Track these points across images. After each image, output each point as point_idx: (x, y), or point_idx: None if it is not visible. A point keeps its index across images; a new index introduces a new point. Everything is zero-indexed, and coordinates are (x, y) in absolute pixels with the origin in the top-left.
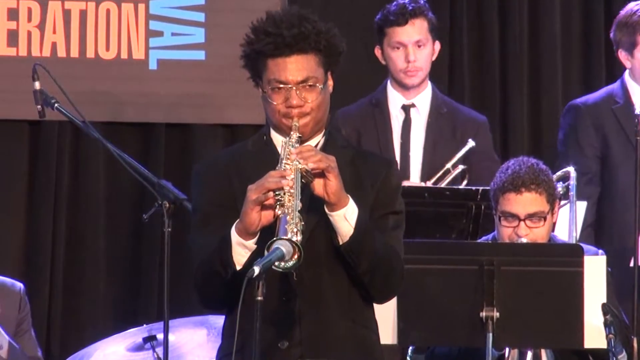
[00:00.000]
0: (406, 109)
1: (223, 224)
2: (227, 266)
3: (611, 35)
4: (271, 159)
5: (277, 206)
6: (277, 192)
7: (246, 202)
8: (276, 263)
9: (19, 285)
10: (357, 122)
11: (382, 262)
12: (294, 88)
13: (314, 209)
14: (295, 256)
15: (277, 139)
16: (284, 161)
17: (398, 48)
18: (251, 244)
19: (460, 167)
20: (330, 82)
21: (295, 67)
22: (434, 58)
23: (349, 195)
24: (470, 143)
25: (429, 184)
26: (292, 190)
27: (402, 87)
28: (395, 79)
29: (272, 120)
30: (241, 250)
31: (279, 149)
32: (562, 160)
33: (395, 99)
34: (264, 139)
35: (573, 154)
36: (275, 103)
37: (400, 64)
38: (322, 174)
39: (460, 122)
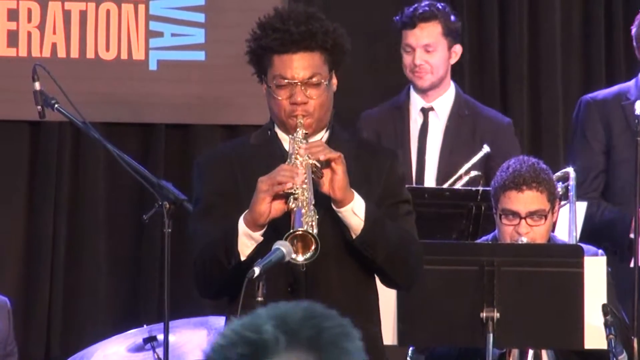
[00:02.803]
0: (425, 112)
1: (225, 214)
2: (231, 256)
3: (632, 32)
4: (276, 152)
5: (291, 199)
6: (290, 188)
7: (257, 193)
8: (293, 256)
9: (4, 298)
10: (377, 125)
11: (399, 248)
12: (299, 84)
13: (319, 205)
14: (312, 247)
15: (281, 134)
16: (293, 156)
17: (408, 51)
18: (258, 235)
19: (473, 173)
20: (334, 81)
21: (301, 65)
22: (453, 61)
23: (354, 191)
24: (485, 149)
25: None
26: (304, 185)
27: (417, 89)
28: (410, 81)
29: (277, 116)
30: (247, 241)
31: (284, 144)
32: (570, 153)
33: (415, 101)
34: (269, 133)
35: (581, 148)
36: (280, 98)
37: (409, 66)
38: (330, 168)
39: (481, 124)
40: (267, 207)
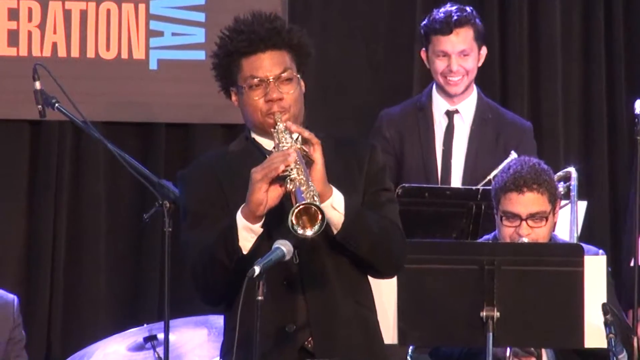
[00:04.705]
0: (450, 115)
1: (215, 222)
2: (232, 252)
3: None
4: (258, 157)
5: (288, 182)
6: (284, 171)
7: (252, 184)
8: (300, 231)
9: (12, 297)
10: (401, 125)
11: (381, 237)
12: (272, 81)
13: None
14: (319, 218)
15: (260, 139)
16: (280, 145)
17: (442, 56)
18: (258, 227)
19: None
20: (302, 83)
21: (271, 63)
22: (480, 63)
23: (332, 186)
24: (513, 155)
25: None
26: (297, 165)
27: (446, 93)
28: (438, 85)
29: (253, 119)
30: (247, 235)
31: (264, 148)
32: None
33: (439, 104)
34: (247, 140)
35: None
36: (255, 99)
37: (442, 71)
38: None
39: (504, 128)
40: (264, 196)
